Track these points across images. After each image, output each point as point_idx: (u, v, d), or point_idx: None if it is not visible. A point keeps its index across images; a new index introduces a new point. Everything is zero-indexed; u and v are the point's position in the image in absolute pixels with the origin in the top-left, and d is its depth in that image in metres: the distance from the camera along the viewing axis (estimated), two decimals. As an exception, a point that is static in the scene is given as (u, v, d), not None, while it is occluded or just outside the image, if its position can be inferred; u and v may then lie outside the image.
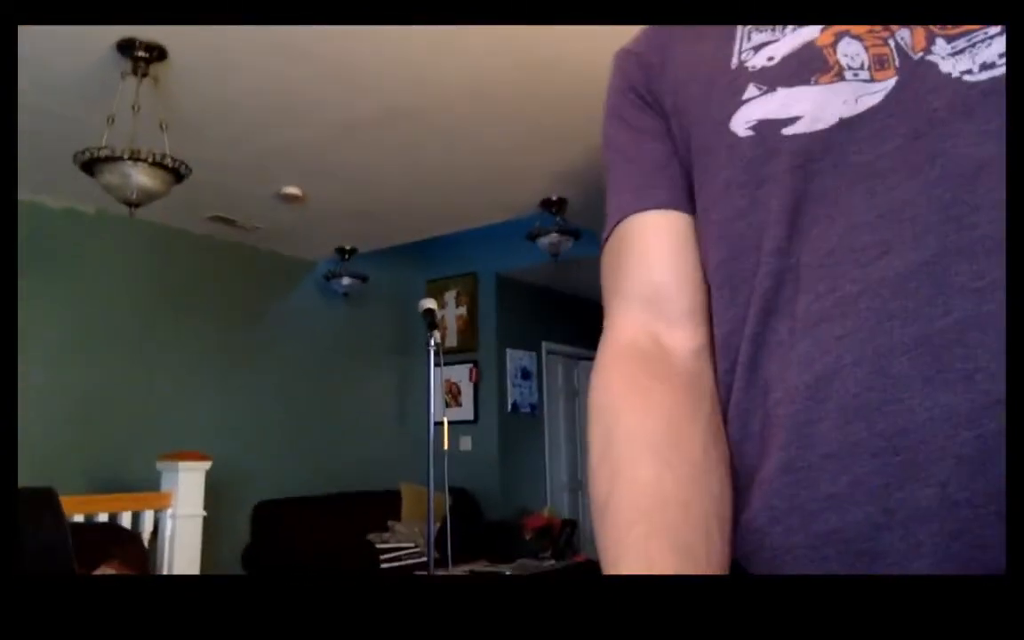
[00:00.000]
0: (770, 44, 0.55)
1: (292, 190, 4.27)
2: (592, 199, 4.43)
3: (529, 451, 6.25)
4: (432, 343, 2.92)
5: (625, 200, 0.64)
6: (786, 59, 0.53)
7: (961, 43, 0.47)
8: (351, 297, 5.69)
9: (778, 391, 0.49)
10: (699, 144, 0.58)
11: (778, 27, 0.55)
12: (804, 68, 0.52)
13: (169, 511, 3.91)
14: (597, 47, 2.88)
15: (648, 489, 0.50)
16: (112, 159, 2.63)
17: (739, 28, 0.57)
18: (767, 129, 0.52)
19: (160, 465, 3.99)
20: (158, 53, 2.75)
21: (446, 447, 3.02)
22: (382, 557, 4.86)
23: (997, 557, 0.41)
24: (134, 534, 3.74)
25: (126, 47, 2.69)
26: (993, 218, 0.43)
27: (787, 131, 0.51)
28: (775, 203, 0.52)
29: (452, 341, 6.08)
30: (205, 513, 4.01)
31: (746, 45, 0.56)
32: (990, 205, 0.44)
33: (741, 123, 0.54)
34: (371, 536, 5.03)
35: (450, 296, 6.21)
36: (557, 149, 3.83)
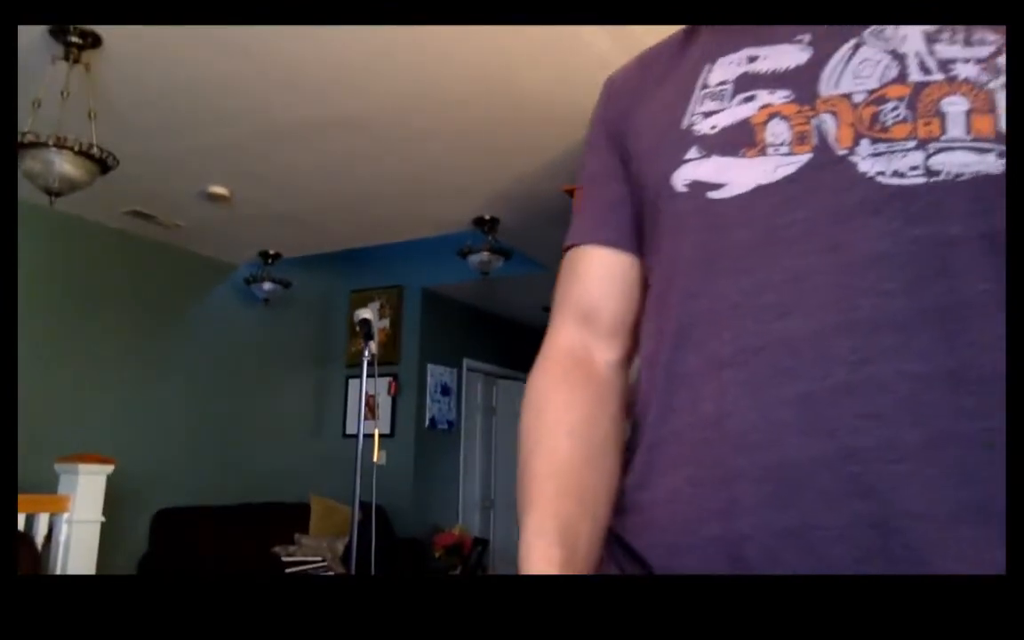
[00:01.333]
0: (715, 114, 0.63)
1: (219, 189, 4.15)
2: (524, 221, 4.50)
3: (444, 468, 6.24)
4: (367, 354, 2.90)
5: (581, 230, 0.75)
6: (724, 130, 0.62)
7: (882, 147, 0.55)
8: (271, 303, 5.56)
9: (689, 417, 0.60)
10: (648, 191, 0.68)
11: (725, 97, 0.63)
12: (737, 141, 0.61)
13: (65, 516, 3.71)
14: (542, 76, 2.95)
15: (563, 457, 0.65)
16: (36, 145, 2.51)
17: (696, 90, 0.65)
18: (699, 189, 0.62)
19: (59, 467, 3.78)
20: (92, 40, 2.64)
21: (376, 460, 2.98)
22: (287, 571, 4.74)
23: (842, 572, 0.52)
24: (26, 537, 3.53)
25: (59, 31, 2.58)
26: (875, 304, 0.53)
27: (712, 195, 0.61)
28: (694, 253, 0.62)
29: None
30: (104, 519, 3.82)
31: (697, 109, 0.64)
32: (875, 293, 0.53)
33: (680, 180, 0.63)
34: (276, 549, 4.90)
35: (373, 307, 6.15)
36: (494, 169, 3.88)
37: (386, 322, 6.10)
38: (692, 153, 0.62)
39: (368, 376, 2.89)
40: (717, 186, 0.60)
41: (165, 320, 5.10)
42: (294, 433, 5.87)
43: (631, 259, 0.72)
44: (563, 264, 0.76)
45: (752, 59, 0.63)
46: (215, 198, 4.25)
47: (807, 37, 0.61)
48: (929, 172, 0.53)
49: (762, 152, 0.59)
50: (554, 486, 0.63)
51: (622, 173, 0.72)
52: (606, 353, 0.72)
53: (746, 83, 0.62)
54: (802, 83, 0.59)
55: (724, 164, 0.60)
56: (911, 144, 0.54)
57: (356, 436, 3.00)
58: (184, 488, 4.93)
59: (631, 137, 0.71)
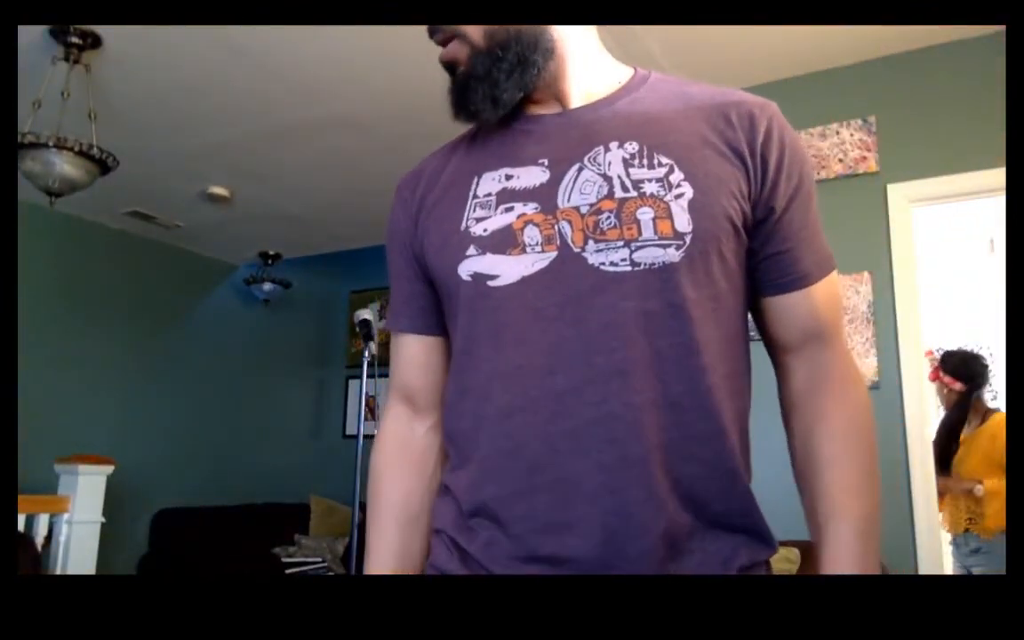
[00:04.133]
0: (486, 219, 0.83)
1: (219, 190, 4.15)
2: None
3: (443, 468, 6.22)
4: (367, 354, 2.90)
5: (392, 318, 0.98)
6: (494, 233, 0.82)
7: (602, 245, 0.78)
8: (271, 303, 5.55)
9: (491, 448, 0.80)
10: (439, 280, 0.88)
11: (491, 207, 0.83)
12: (503, 243, 0.81)
13: (65, 516, 3.70)
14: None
15: (393, 528, 0.93)
16: (36, 146, 2.50)
17: (469, 199, 0.86)
18: (480, 279, 0.82)
19: (58, 467, 3.78)
20: (92, 40, 2.64)
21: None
22: (287, 572, 4.73)
23: (597, 547, 0.74)
24: (26, 537, 3.52)
25: (59, 31, 2.58)
26: (606, 360, 0.75)
27: (491, 283, 0.81)
28: (484, 329, 0.81)
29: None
30: (104, 519, 3.82)
31: (471, 215, 0.85)
32: (606, 351, 0.76)
33: (464, 271, 0.83)
34: (277, 549, 4.89)
35: (373, 307, 6.15)
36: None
37: (384, 323, 6.09)
38: (471, 251, 0.83)
39: (368, 376, 2.89)
40: (493, 277, 0.81)
41: (165, 320, 5.10)
42: (294, 433, 5.87)
43: (434, 339, 0.94)
44: (391, 341, 0.99)
45: (509, 177, 0.85)
46: (215, 198, 4.25)
47: (545, 161, 0.84)
48: (633, 263, 0.77)
49: (523, 251, 0.80)
50: (396, 529, 0.92)
51: (416, 271, 0.93)
52: (423, 424, 0.97)
53: (506, 197, 0.83)
54: (545, 198, 0.81)
55: (496, 260, 0.81)
56: (620, 243, 0.77)
57: (356, 436, 3.00)
58: (184, 488, 4.92)
59: (425, 238, 0.89)
